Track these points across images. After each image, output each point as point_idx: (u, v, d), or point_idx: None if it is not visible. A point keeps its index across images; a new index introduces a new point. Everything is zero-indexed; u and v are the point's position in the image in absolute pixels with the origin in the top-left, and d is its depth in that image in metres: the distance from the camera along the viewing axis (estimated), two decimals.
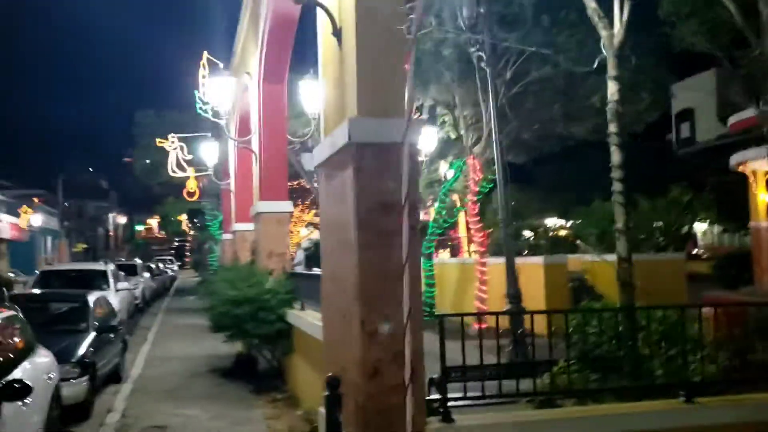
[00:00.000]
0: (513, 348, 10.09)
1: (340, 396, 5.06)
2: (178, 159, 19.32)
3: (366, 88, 5.12)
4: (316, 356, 8.42)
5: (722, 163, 20.45)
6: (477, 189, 16.12)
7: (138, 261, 27.68)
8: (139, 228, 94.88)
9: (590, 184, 18.88)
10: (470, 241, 20.29)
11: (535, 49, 12.02)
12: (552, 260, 14.97)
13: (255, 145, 12.18)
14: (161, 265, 39.67)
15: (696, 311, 6.23)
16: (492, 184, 15.03)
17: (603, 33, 6.63)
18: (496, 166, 11.03)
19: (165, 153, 21.47)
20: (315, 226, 27.29)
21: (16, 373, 6.02)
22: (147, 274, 28.03)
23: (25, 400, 5.68)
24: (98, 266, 17.86)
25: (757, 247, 18.43)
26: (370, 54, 5.14)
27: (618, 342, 6.37)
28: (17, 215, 37.00)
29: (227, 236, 23.76)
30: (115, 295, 16.02)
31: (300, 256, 17.92)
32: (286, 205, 11.85)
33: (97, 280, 16.36)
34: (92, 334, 9.93)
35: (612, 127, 6.58)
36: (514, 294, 10.58)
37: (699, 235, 34.49)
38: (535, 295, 13.26)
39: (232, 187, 18.69)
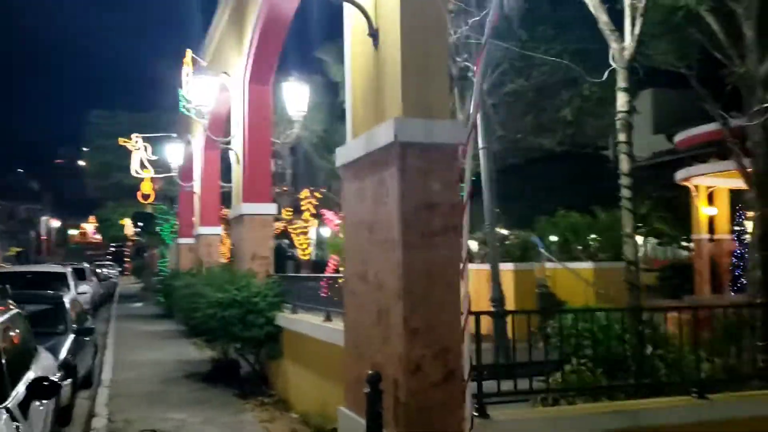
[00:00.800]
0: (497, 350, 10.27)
1: (381, 392, 5.12)
2: (141, 160, 18.85)
3: (410, 89, 5.21)
4: (314, 359, 8.42)
5: (665, 178, 21.46)
6: None
7: (86, 265, 26.80)
8: (73, 232, 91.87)
9: (550, 195, 19.39)
10: None
11: (539, 54, 12.24)
12: (522, 266, 15.32)
13: (238, 146, 12.05)
14: (105, 271, 38.44)
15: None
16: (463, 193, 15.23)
17: (614, 46, 6.91)
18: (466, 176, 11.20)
19: (118, 154, 20.93)
20: None
21: (29, 374, 5.81)
22: (94, 279, 27.20)
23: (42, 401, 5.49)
24: (57, 269, 17.25)
25: (699, 258, 19.41)
26: (414, 55, 5.23)
27: (624, 342, 6.62)
28: None
29: (185, 240, 23.31)
30: None
31: None
32: (271, 207, 11.78)
33: (56, 283, 15.78)
34: (71, 336, 9.61)
35: (621, 137, 6.85)
36: (498, 298, 10.78)
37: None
38: (507, 300, 13.56)
39: (197, 189, 18.37)
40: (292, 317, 9.54)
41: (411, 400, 5.05)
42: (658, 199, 25.52)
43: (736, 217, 23.58)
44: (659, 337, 6.66)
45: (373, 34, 5.69)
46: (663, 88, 26.84)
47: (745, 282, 20.45)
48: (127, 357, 14.29)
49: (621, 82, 6.88)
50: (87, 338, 10.49)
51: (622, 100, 6.88)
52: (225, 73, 13.34)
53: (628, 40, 6.91)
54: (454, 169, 5.34)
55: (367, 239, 5.77)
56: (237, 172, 12.20)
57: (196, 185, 18.46)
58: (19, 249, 57.92)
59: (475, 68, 4.70)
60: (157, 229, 29.11)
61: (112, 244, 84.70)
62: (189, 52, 12.86)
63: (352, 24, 6.21)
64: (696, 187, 19.58)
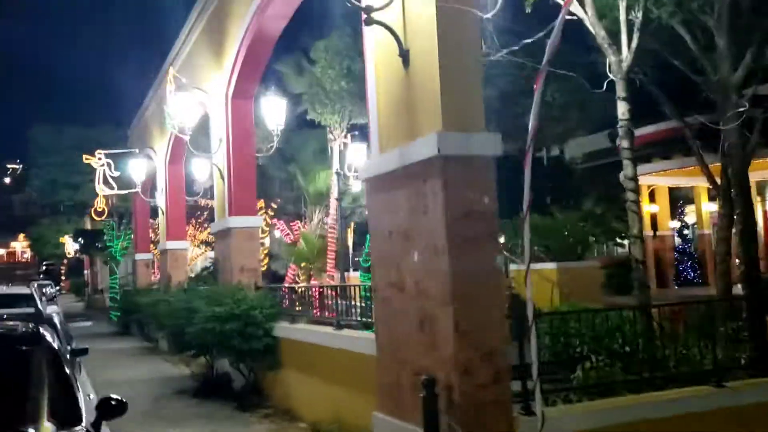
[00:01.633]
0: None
1: (436, 396, 5.35)
2: (105, 176, 18.49)
3: (449, 104, 5.51)
4: (325, 368, 8.55)
5: (609, 178, 22.42)
6: None
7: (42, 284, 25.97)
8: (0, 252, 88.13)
9: (511, 199, 19.86)
10: None
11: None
12: None
13: (221, 161, 12.05)
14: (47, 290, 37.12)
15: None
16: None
17: (612, 58, 7.37)
18: None
19: (64, 170, 20.45)
20: (209, 244, 26.89)
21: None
22: (43, 299, 26.33)
23: None
24: (22, 289, 16.74)
25: (645, 254, 20.31)
26: (451, 71, 5.53)
27: (635, 338, 7.05)
28: None
29: (142, 256, 22.90)
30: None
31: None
32: (258, 220, 11.89)
33: (22, 303, 15.30)
34: (66, 357, 9.45)
35: (624, 143, 7.31)
36: None
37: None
38: None
39: (162, 204, 18.14)
40: (293, 327, 9.65)
41: (463, 401, 5.30)
42: (606, 198, 26.68)
43: (677, 213, 24.89)
44: (665, 332, 7.10)
45: (404, 54, 5.93)
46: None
47: (689, 276, 21.71)
48: (103, 376, 13.96)
49: (620, 92, 7.35)
50: (78, 359, 10.30)
51: (622, 109, 7.34)
52: (197, 88, 13.26)
53: (625, 53, 7.38)
54: (490, 178, 5.66)
55: (403, 248, 6.00)
56: (220, 186, 12.21)
57: (161, 200, 18.24)
58: None
59: (535, 86, 5.04)
60: (108, 245, 28.40)
61: (44, 263, 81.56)
62: (171, 70, 12.78)
63: (377, 46, 6.44)
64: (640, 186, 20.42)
